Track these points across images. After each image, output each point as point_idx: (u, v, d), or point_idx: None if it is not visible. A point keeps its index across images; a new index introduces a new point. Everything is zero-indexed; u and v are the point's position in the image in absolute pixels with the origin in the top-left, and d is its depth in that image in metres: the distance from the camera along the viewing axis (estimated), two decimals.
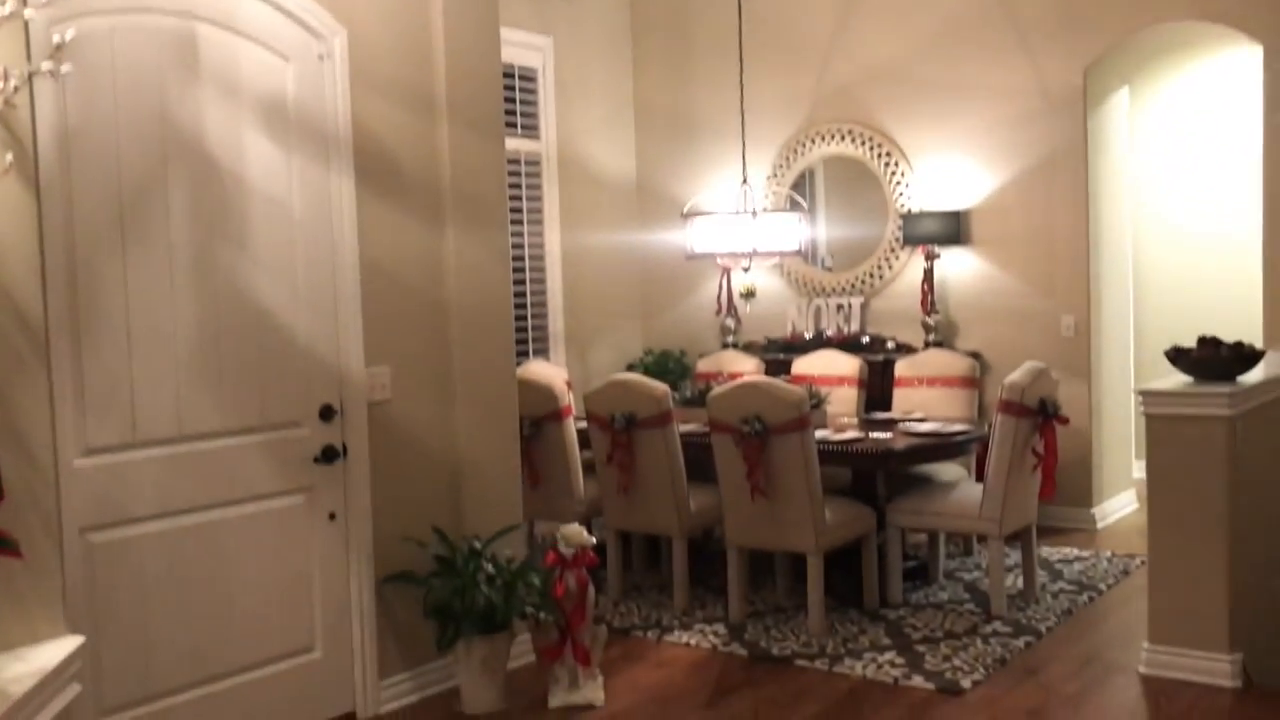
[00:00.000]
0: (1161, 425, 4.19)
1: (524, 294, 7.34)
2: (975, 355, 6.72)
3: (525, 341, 7.42)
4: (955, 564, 5.84)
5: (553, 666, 4.15)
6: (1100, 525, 6.64)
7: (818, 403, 5.56)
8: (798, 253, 6.56)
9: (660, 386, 5.16)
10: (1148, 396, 4.22)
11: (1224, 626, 4.09)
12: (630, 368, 7.91)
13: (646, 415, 5.12)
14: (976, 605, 5.13)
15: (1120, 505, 6.96)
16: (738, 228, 6.08)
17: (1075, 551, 6.06)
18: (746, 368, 6.80)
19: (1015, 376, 4.96)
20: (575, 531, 4.10)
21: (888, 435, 5.29)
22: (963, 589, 5.40)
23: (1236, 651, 4.11)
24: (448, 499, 4.34)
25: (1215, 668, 4.10)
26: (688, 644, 4.77)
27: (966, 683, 4.20)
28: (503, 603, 4.03)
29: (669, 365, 7.79)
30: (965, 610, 5.07)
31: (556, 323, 7.63)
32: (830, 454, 5.02)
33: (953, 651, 4.54)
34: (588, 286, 7.80)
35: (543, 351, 7.57)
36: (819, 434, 5.16)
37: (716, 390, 4.97)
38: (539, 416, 5.49)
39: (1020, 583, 5.34)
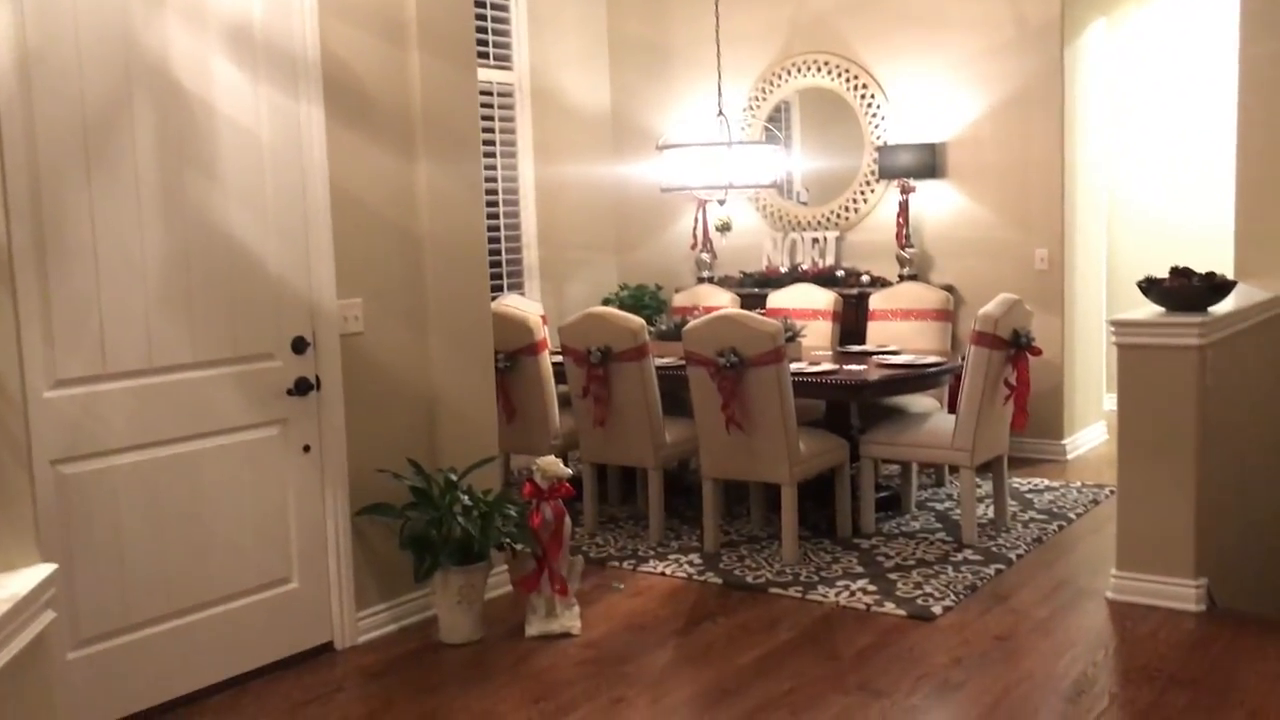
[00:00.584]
0: (1132, 355, 4.23)
1: (498, 228, 7.29)
2: (949, 289, 6.74)
3: (500, 276, 7.38)
4: (927, 494, 5.90)
5: (530, 596, 4.18)
6: (1071, 456, 6.72)
7: (792, 336, 5.57)
8: (774, 186, 6.54)
9: (636, 320, 5.15)
10: (1119, 326, 4.24)
11: (1190, 553, 4.16)
12: (606, 302, 7.88)
13: (622, 348, 5.12)
14: (948, 534, 5.20)
15: (1091, 437, 7.04)
16: (713, 160, 6.03)
17: (1046, 482, 6.14)
18: (722, 302, 6.79)
19: (989, 308, 4.98)
20: (551, 463, 4.11)
21: (862, 367, 5.32)
22: (934, 518, 5.47)
23: (1202, 577, 4.18)
24: (423, 432, 4.33)
25: (1181, 593, 4.17)
26: (663, 574, 4.81)
27: (938, 609, 4.27)
28: (479, 534, 4.05)
29: (645, 300, 7.78)
30: (937, 539, 5.14)
31: (531, 257, 7.59)
32: (805, 386, 5.04)
33: (924, 579, 4.60)
34: (562, 220, 7.75)
35: (517, 286, 7.53)
36: (794, 366, 5.18)
37: (692, 323, 4.97)
38: (514, 350, 5.47)
39: (991, 512, 5.41)
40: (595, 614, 4.35)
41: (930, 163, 6.85)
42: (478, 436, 4.49)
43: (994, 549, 4.97)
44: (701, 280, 7.63)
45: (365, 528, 4.13)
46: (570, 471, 4.15)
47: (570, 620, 4.17)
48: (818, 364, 5.39)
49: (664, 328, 5.98)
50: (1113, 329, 4.26)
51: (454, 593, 4.05)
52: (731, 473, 5.02)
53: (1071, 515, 5.48)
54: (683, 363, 5.04)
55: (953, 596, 4.40)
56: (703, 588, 4.64)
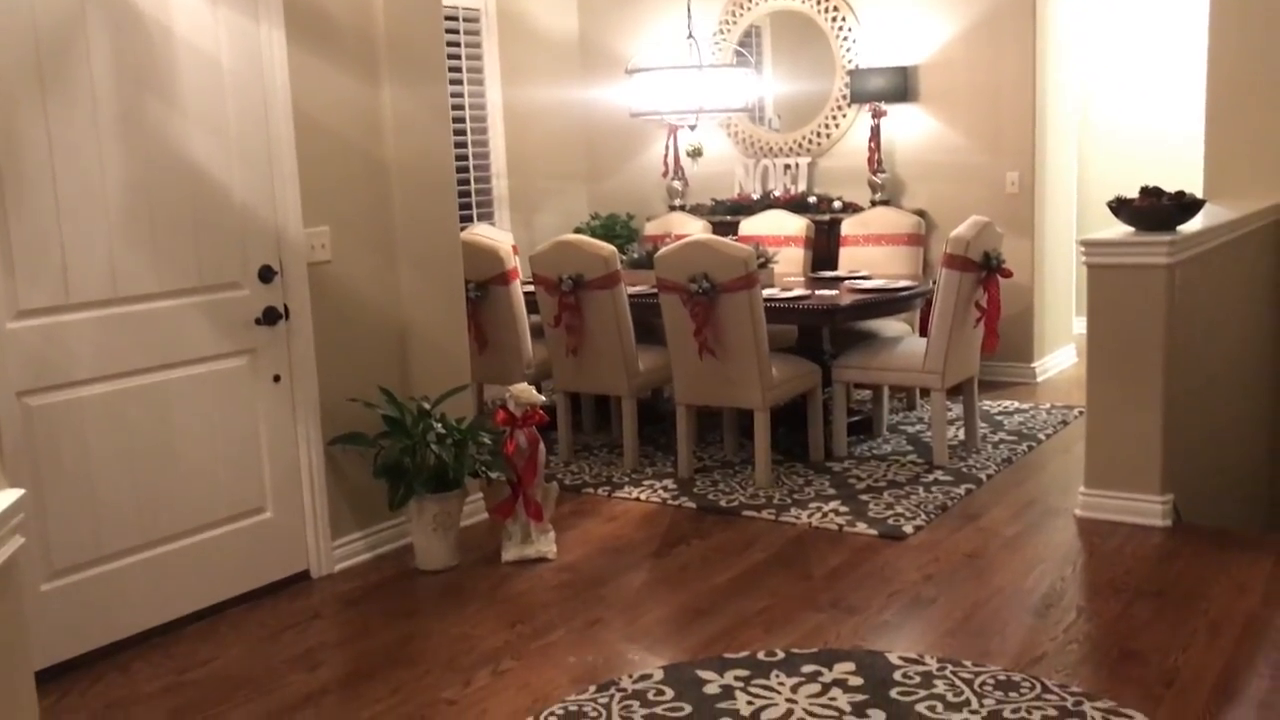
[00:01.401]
0: (1102, 275, 4.24)
1: (466, 156, 7.21)
2: (921, 213, 6.74)
3: (469, 206, 7.31)
4: (899, 418, 5.95)
5: (505, 523, 4.20)
6: (1040, 379, 6.78)
7: (765, 262, 5.55)
8: (745, 110, 6.48)
9: (607, 247, 5.12)
10: (1089, 246, 4.25)
11: (1157, 469, 4.22)
12: (577, 232, 7.84)
13: (594, 276, 5.09)
14: (919, 456, 5.24)
15: (1060, 360, 7.10)
16: (684, 84, 5.96)
17: (1016, 404, 6.19)
18: (694, 230, 6.74)
19: (960, 230, 4.97)
20: (524, 390, 4.10)
21: (834, 292, 5.32)
22: (906, 441, 5.52)
23: (1169, 493, 4.24)
24: (394, 361, 4.32)
25: (1148, 508, 4.23)
26: (638, 499, 4.84)
27: (909, 528, 4.32)
28: (454, 461, 4.05)
29: (616, 229, 7.74)
30: (908, 461, 5.18)
31: (501, 187, 7.52)
32: (777, 311, 5.04)
33: (895, 500, 4.65)
34: (532, 149, 7.67)
35: (487, 216, 7.47)
36: (766, 292, 5.17)
37: (664, 249, 4.94)
38: (485, 280, 5.44)
39: (962, 434, 5.46)
40: (570, 539, 4.37)
41: (902, 86, 6.80)
42: (450, 365, 4.48)
43: (964, 470, 5.02)
44: (673, 208, 7.59)
45: (338, 457, 4.13)
46: (543, 398, 4.14)
47: (546, 545, 4.19)
48: (790, 290, 5.39)
49: (636, 256, 5.96)
50: (1083, 249, 4.27)
51: (429, 520, 4.06)
52: (705, 399, 5.04)
53: (1041, 436, 5.54)
54: (655, 291, 5.03)
55: (924, 516, 4.45)
56: (677, 512, 4.67)
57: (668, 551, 4.24)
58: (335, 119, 4.06)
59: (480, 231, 6.17)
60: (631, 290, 5.30)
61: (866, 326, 5.74)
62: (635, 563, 4.13)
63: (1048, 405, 6.15)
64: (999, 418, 5.92)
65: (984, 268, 5.01)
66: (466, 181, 7.28)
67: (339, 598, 3.93)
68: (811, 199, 7.08)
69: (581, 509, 4.76)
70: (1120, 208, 4.35)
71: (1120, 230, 4.34)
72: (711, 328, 4.82)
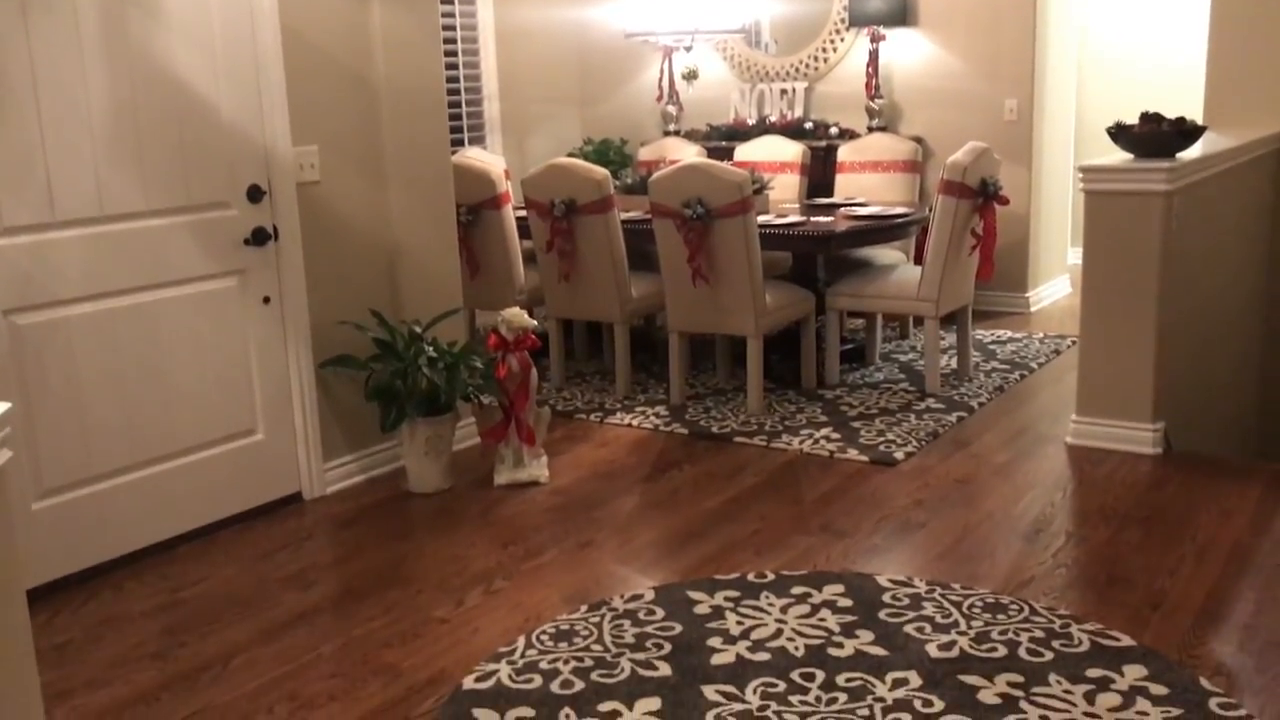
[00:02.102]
0: (1099, 202, 4.21)
1: (457, 78, 7.11)
2: (918, 140, 6.67)
3: (460, 129, 7.22)
4: (891, 347, 5.95)
5: (497, 447, 4.20)
6: (1034, 309, 6.77)
7: (760, 188, 5.50)
8: (741, 32, 6.37)
9: (600, 171, 5.06)
10: (1087, 172, 4.21)
11: (1149, 398, 4.22)
12: (570, 157, 7.76)
13: (587, 201, 5.04)
14: (911, 384, 5.25)
15: (1055, 290, 7.09)
16: (678, 4, 5.85)
17: (1009, 334, 6.19)
18: (688, 155, 6.66)
19: (957, 156, 4.92)
20: (516, 314, 4.08)
21: (829, 219, 5.27)
22: (898, 369, 5.52)
23: (1160, 420, 4.25)
24: (385, 284, 4.28)
25: (1138, 436, 4.25)
26: (630, 425, 4.84)
27: (900, 454, 4.33)
28: (446, 385, 4.04)
29: (610, 154, 7.63)
30: (900, 389, 5.19)
31: (492, 110, 7.42)
32: (772, 237, 5.00)
33: (887, 427, 4.65)
34: (524, 71, 7.56)
35: (479, 140, 7.38)
36: (761, 219, 5.14)
37: (658, 173, 4.89)
38: (476, 204, 5.39)
39: (954, 363, 5.46)
40: (563, 464, 4.38)
41: (901, 9, 6.70)
42: (441, 289, 4.45)
43: (956, 398, 5.02)
44: (668, 133, 7.51)
45: (330, 380, 4.11)
46: (535, 323, 4.12)
47: (538, 470, 4.20)
48: (785, 216, 5.34)
49: (629, 182, 5.90)
50: (1081, 174, 4.23)
51: (421, 443, 4.06)
52: (698, 326, 5.02)
53: (1033, 365, 5.54)
54: (648, 217, 4.98)
55: (915, 443, 4.46)
56: (669, 438, 4.68)
57: (659, 476, 4.25)
58: (323, 35, 3.98)
59: (472, 155, 6.11)
60: (625, 216, 5.25)
61: (861, 254, 5.71)
62: (627, 487, 4.14)
63: (1040, 335, 6.14)
64: (992, 347, 5.91)
65: (981, 194, 4.97)
66: (458, 104, 7.18)
67: (331, 519, 3.94)
68: (808, 125, 7.00)
69: (574, 434, 4.76)
70: (1119, 134, 4.30)
71: (1119, 157, 4.30)
72: (705, 254, 4.78)
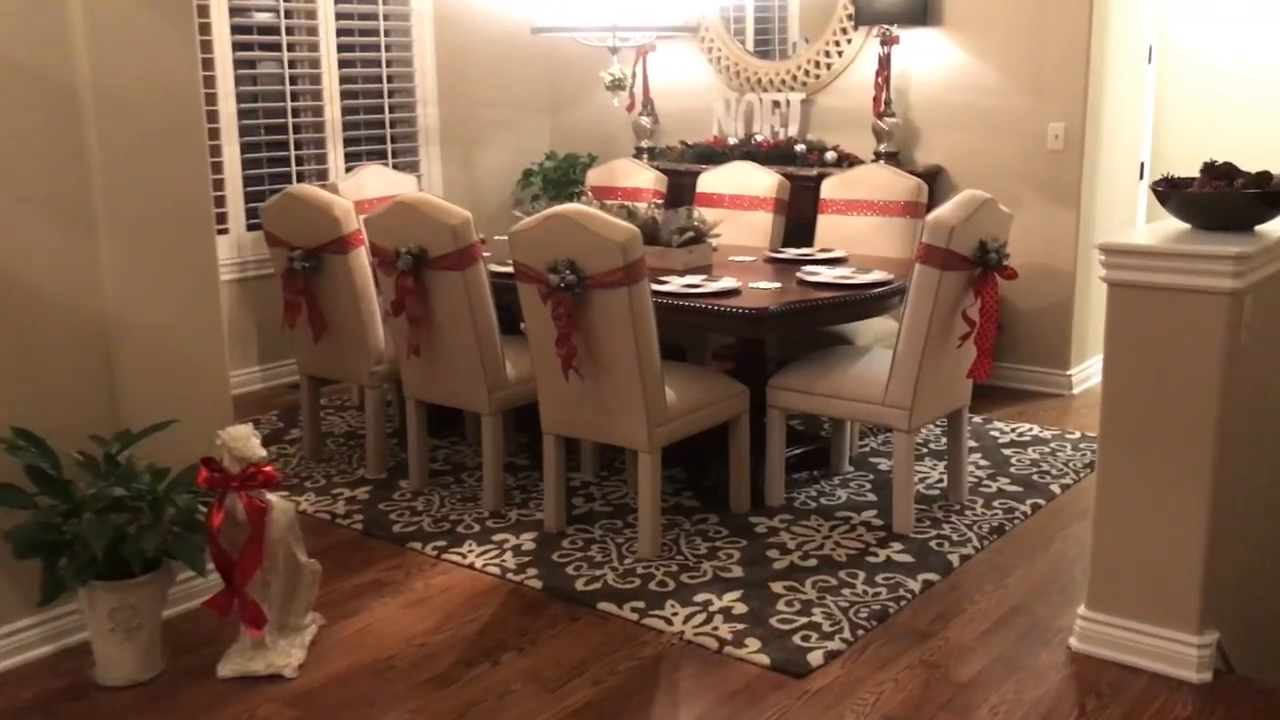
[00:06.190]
0: (1128, 298, 2.79)
1: (379, 76, 5.87)
2: (936, 170, 5.29)
3: (381, 140, 5.98)
4: (877, 442, 4.53)
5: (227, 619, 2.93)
6: (1078, 390, 5.29)
7: (695, 237, 4.17)
8: (686, 30, 5.00)
9: (458, 213, 3.75)
10: (1110, 254, 2.78)
11: (1195, 594, 2.79)
12: (527, 174, 6.50)
13: (441, 252, 3.74)
14: (879, 514, 3.84)
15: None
16: None
17: (1035, 430, 4.73)
18: (642, 181, 5.34)
19: (942, 211, 3.52)
20: (241, 436, 2.79)
21: (774, 286, 3.89)
22: (870, 486, 4.11)
23: (1209, 631, 2.82)
24: (95, 379, 3.03)
25: (1178, 653, 2.81)
26: (471, 565, 3.54)
27: (817, 655, 2.95)
28: (148, 533, 2.77)
29: (573, 173, 6.36)
30: (861, 522, 3.79)
31: (428, 115, 6.16)
32: (680, 312, 3.65)
33: (819, 595, 3.27)
34: (474, 69, 6.29)
35: (408, 153, 6.13)
36: (679, 282, 3.81)
37: (521, 223, 3.56)
38: (316, 247, 4.12)
39: (944, 477, 4.05)
40: (335, 640, 3.09)
41: (921, 3, 5.28)
42: (191, 385, 3.19)
43: (934, 544, 3.62)
44: (639, 151, 6.18)
45: None
46: (264, 453, 2.83)
47: (281, 657, 2.91)
48: (717, 279, 3.96)
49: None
50: (1101, 256, 2.81)
51: (103, 617, 2.81)
52: (577, 430, 3.69)
53: (1055, 488, 4.09)
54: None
55: (848, 630, 3.07)
56: (512, 595, 3.36)
57: (463, 674, 2.93)
58: None
59: (371, 173, 5.00)
60: (500, 268, 3.94)
61: (841, 328, 4.33)
62: (404, 695, 2.83)
63: (1077, 435, 4.67)
64: (1008, 450, 4.47)
65: (978, 264, 3.56)
66: (379, 109, 5.93)
67: None
68: (799, 146, 5.61)
69: (388, 579, 3.47)
70: (1169, 193, 2.87)
71: (1170, 228, 2.87)
72: (582, 335, 3.45)
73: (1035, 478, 4.19)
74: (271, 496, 2.89)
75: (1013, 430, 4.73)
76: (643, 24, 4.50)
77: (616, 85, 5.36)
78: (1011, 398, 5.17)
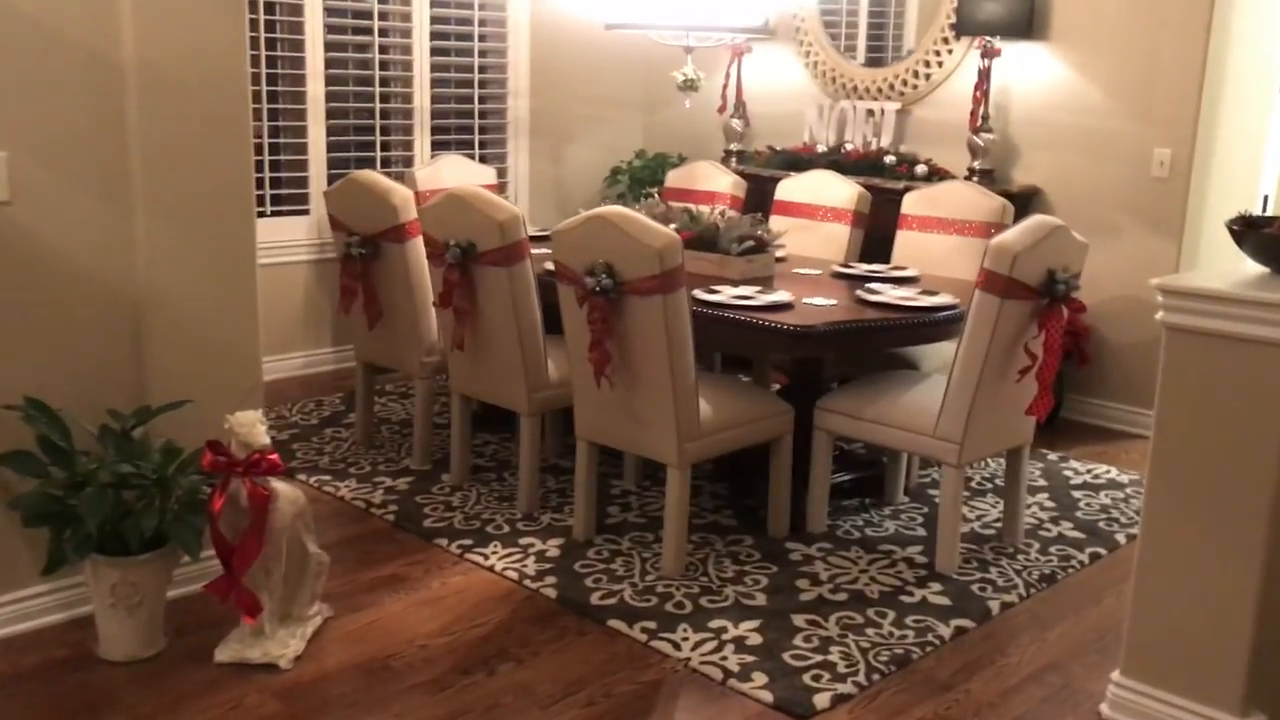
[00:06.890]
0: (1188, 345, 2.56)
1: (470, 66, 5.85)
2: (1034, 191, 5.06)
3: (469, 130, 5.97)
4: (933, 474, 4.32)
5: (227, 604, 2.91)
6: None
7: (758, 246, 4.03)
8: (763, 33, 4.84)
9: (506, 208, 3.68)
10: (1169, 296, 2.57)
11: (1240, 673, 2.55)
12: (615, 172, 6.42)
13: (488, 247, 3.68)
14: (925, 551, 3.65)
15: None
16: None
17: (1112, 473, 4.45)
18: (721, 185, 5.21)
19: (1008, 236, 3.31)
20: (248, 422, 2.76)
21: (830, 303, 3.72)
22: (922, 521, 3.91)
23: (1255, 714, 2.57)
24: (122, 355, 3.04)
25: None
26: (491, 569, 3.46)
27: (824, 698, 2.79)
28: (148, 511, 2.77)
29: (660, 173, 6.26)
30: (904, 557, 3.60)
31: (519, 106, 6.13)
32: (720, 324, 3.51)
33: (841, 633, 3.11)
34: (567, 62, 6.23)
35: (496, 144, 6.11)
36: (731, 292, 3.67)
37: (564, 223, 3.48)
38: (373, 234, 4.11)
39: (1001, 515, 3.84)
40: (338, 634, 3.05)
41: (1025, 16, 5.03)
42: (222, 367, 3.19)
43: (974, 587, 3.41)
44: (729, 154, 6.05)
45: (14, 482, 2.91)
46: (268, 441, 2.79)
47: (278, 647, 2.88)
48: (772, 291, 3.81)
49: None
50: (1160, 297, 2.59)
51: (105, 591, 2.82)
52: (609, 438, 3.58)
53: (1121, 537, 3.84)
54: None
55: (863, 673, 2.91)
56: (526, 602, 3.27)
57: (459, 680, 2.86)
58: None
59: (450, 163, 4.97)
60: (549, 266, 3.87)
61: (906, 350, 4.14)
62: (391, 698, 2.77)
63: None
64: (1078, 493, 4.22)
65: (1043, 294, 3.34)
66: (469, 99, 5.92)
67: None
68: (889, 158, 5.41)
69: (406, 574, 3.42)
70: (1245, 233, 2.63)
71: (1241, 271, 2.64)
72: (616, 342, 3.35)
73: (1102, 524, 3.94)
74: (280, 485, 2.87)
75: (1088, 471, 4.46)
76: (715, 24, 4.35)
77: (688, 85, 5.22)
78: (1093, 435, 4.90)
